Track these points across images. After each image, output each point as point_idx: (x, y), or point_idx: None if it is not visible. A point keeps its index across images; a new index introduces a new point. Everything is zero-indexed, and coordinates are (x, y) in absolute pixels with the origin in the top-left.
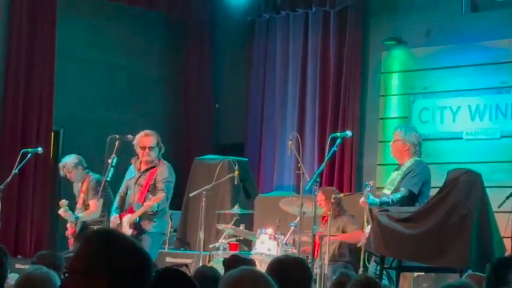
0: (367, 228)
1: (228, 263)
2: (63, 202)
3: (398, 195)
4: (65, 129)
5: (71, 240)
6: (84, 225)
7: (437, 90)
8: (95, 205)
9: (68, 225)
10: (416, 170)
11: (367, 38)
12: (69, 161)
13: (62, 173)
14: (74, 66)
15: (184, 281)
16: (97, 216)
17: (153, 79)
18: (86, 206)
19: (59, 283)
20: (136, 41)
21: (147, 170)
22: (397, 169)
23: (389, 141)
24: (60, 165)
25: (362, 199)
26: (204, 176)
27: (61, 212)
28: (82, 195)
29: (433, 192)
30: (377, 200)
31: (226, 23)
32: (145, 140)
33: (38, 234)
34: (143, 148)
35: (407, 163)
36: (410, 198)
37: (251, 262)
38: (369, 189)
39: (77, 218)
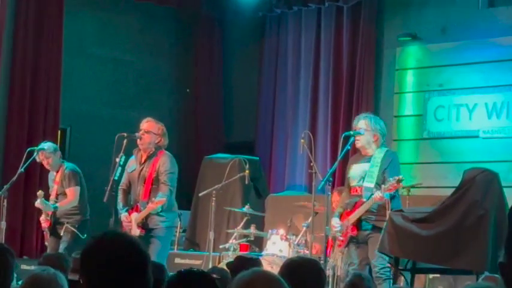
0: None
1: (235, 265)
2: (41, 193)
3: None
4: (71, 127)
5: (47, 235)
6: (57, 219)
7: (453, 87)
8: (73, 193)
9: (42, 218)
10: (395, 160)
11: (381, 33)
12: (46, 146)
13: (38, 159)
14: (81, 62)
15: (208, 284)
16: (75, 204)
17: (162, 76)
18: (57, 197)
19: (65, 284)
20: (145, 36)
21: (148, 159)
22: (361, 161)
23: (401, 140)
24: (37, 151)
25: (380, 194)
26: (214, 175)
27: (37, 203)
28: (55, 186)
29: (449, 192)
30: (388, 194)
31: (237, 18)
32: (143, 124)
33: (44, 234)
34: (139, 131)
35: (377, 153)
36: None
37: (257, 262)
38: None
39: (55, 208)
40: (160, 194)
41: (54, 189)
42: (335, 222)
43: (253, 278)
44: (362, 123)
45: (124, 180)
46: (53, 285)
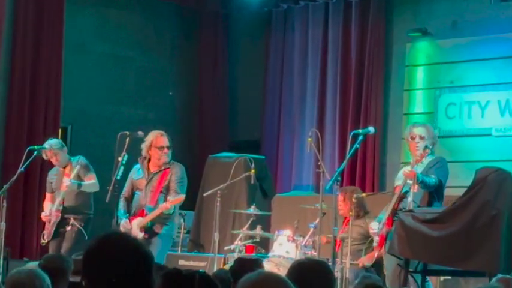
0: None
1: (235, 268)
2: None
3: (433, 181)
4: (73, 125)
5: (49, 229)
6: (66, 210)
7: (465, 84)
8: (95, 178)
9: (52, 210)
10: (441, 163)
11: (390, 29)
12: (54, 143)
13: (45, 156)
14: (82, 59)
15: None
16: (97, 188)
17: (165, 73)
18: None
19: (46, 280)
20: (147, 32)
21: (161, 170)
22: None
23: None
24: (46, 147)
25: (408, 168)
26: (218, 174)
27: (65, 181)
28: (66, 179)
29: (460, 191)
30: (421, 175)
31: (241, 14)
32: (163, 139)
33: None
34: (161, 148)
35: (426, 159)
36: (437, 188)
37: (258, 262)
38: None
39: (80, 184)
40: (173, 195)
41: (64, 183)
42: (374, 225)
43: (260, 280)
44: (422, 130)
45: (126, 188)
46: (35, 284)
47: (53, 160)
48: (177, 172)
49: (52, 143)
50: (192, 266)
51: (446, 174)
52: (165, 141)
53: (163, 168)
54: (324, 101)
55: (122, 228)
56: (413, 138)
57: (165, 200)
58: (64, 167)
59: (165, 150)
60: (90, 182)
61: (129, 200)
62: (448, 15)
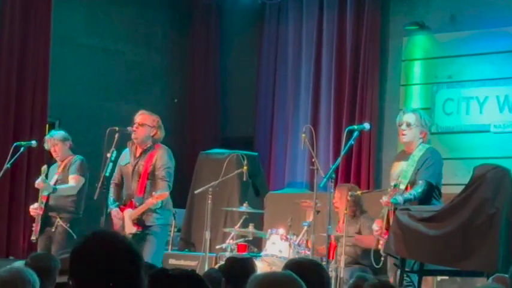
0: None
1: (227, 267)
2: (45, 169)
3: (419, 190)
4: (60, 121)
5: (37, 226)
6: (51, 208)
7: (463, 79)
8: (76, 180)
9: (35, 206)
10: (432, 159)
11: (386, 22)
12: (58, 133)
13: (46, 145)
14: (70, 53)
15: (197, 284)
16: (74, 192)
17: (156, 67)
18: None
19: (34, 278)
20: (138, 25)
21: (143, 154)
22: (404, 159)
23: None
24: (48, 137)
25: (385, 199)
26: (210, 171)
27: (38, 181)
28: (55, 176)
29: (458, 189)
30: (401, 198)
31: (234, 7)
32: (138, 117)
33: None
34: (134, 124)
35: (417, 152)
36: (428, 191)
37: (250, 262)
38: (395, 189)
39: (54, 189)
40: (161, 189)
41: (53, 179)
42: (376, 225)
43: (270, 279)
44: (410, 117)
45: (116, 174)
46: (20, 284)
47: (52, 151)
48: (162, 156)
49: (55, 133)
50: (182, 265)
51: (436, 173)
52: (138, 118)
53: (146, 149)
54: (319, 96)
55: (113, 217)
56: (400, 125)
57: (152, 187)
58: (62, 161)
59: (135, 125)
60: (67, 186)
61: (120, 185)
62: (446, 9)
